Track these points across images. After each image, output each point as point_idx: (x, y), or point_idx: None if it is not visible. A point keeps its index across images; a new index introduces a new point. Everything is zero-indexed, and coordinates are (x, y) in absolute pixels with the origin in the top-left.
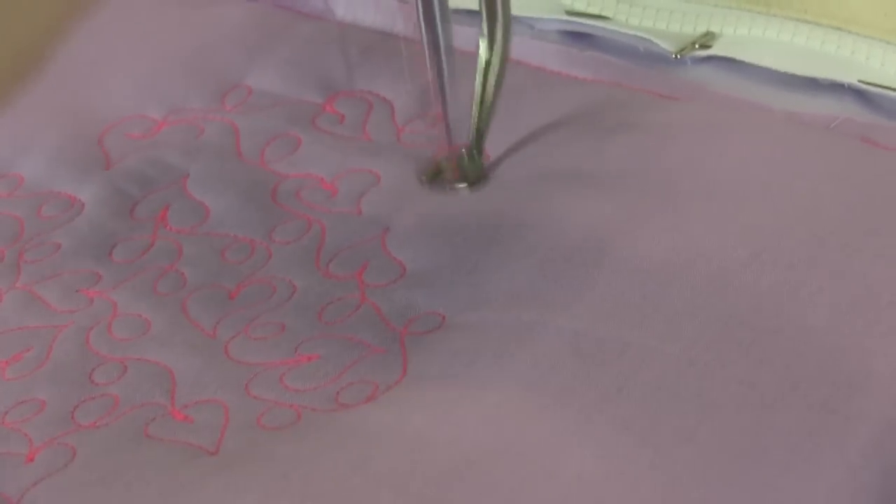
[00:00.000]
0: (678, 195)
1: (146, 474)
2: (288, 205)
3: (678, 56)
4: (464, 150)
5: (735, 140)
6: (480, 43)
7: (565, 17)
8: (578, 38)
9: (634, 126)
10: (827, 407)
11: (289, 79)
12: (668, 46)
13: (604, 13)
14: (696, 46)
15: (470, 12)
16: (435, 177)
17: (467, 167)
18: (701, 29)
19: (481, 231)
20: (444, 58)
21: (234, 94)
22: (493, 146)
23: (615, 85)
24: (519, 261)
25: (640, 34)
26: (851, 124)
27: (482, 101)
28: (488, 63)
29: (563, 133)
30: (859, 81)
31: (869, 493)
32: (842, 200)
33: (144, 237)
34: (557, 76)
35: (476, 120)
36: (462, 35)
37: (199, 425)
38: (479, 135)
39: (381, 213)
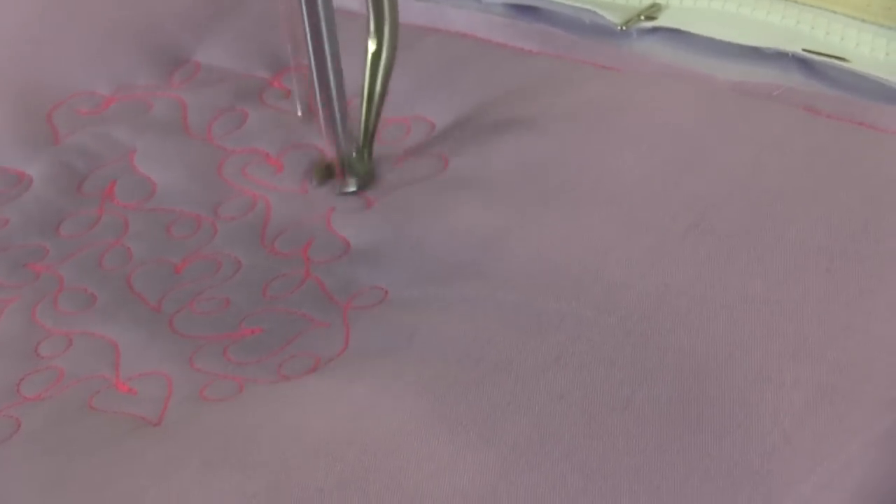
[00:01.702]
0: (618, 169)
1: (89, 445)
2: (233, 181)
3: (623, 28)
4: (354, 150)
5: (676, 111)
6: (369, 39)
7: None
8: (525, 11)
9: (576, 99)
10: (762, 375)
11: (237, 54)
12: (613, 18)
13: None
14: (642, 18)
15: None
16: (325, 178)
17: (357, 167)
18: (647, 1)
19: (423, 208)
20: (329, 57)
21: (183, 70)
22: (439, 117)
23: (560, 57)
24: (459, 237)
25: (585, 6)
26: (794, 93)
27: (370, 98)
28: (376, 58)
29: (506, 107)
30: (803, 50)
31: (802, 458)
32: (781, 169)
33: (91, 212)
34: (503, 48)
35: (364, 118)
36: None
37: (143, 397)
38: (368, 133)
39: (326, 191)
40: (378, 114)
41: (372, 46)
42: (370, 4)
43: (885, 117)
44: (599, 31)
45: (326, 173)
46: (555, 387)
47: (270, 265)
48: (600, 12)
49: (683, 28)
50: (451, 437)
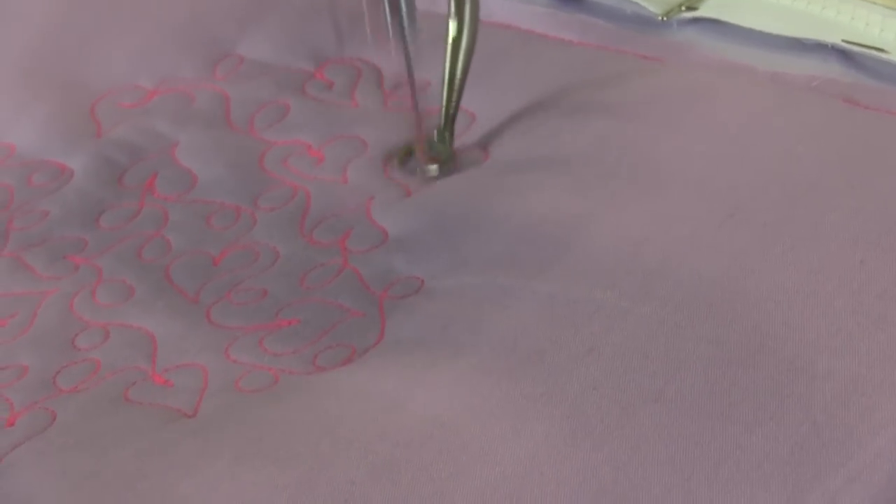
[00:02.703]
0: (656, 159)
1: (123, 437)
2: (275, 172)
3: (664, 18)
4: (435, 131)
5: (715, 102)
6: (449, 23)
7: None
8: (566, 1)
9: (617, 90)
10: (794, 366)
11: (280, 47)
12: (654, 9)
13: None
14: (683, 9)
15: None
16: (406, 159)
17: (438, 149)
18: None
19: (460, 197)
20: (409, 40)
21: (226, 63)
22: (480, 108)
23: (601, 48)
24: (497, 227)
25: None
26: (833, 84)
27: (451, 83)
28: (457, 42)
29: (547, 98)
30: (843, 41)
31: (831, 448)
32: (818, 159)
33: (132, 204)
34: (544, 39)
35: (445, 101)
36: None
37: (179, 389)
38: (449, 117)
39: (367, 181)
40: (459, 97)
41: (452, 29)
42: None
43: None
44: (640, 21)
45: (407, 158)
46: (588, 378)
47: (308, 255)
48: (641, 3)
49: (723, 19)
50: (482, 429)
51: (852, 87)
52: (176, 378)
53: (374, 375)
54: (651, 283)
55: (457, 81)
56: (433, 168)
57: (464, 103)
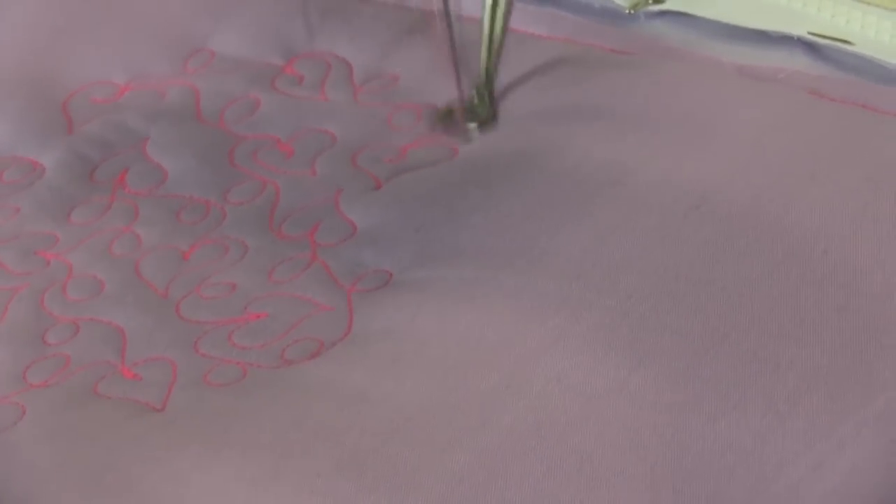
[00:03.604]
0: (621, 151)
1: (92, 431)
2: (244, 166)
3: (632, 11)
4: (474, 91)
5: (680, 94)
6: None
7: None
8: None
9: (583, 85)
10: (756, 355)
11: (251, 42)
12: (622, 2)
13: None
14: (650, 1)
15: None
16: (446, 119)
17: (478, 108)
18: None
19: (429, 190)
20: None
21: (197, 58)
22: (449, 102)
23: (569, 41)
24: (464, 218)
25: None
26: (799, 76)
27: (490, 41)
28: (495, 1)
29: (515, 94)
30: (809, 33)
31: (794, 437)
32: (783, 151)
33: (103, 199)
34: (514, 33)
35: (485, 60)
36: None
37: (148, 382)
38: (489, 75)
39: (335, 174)
40: (498, 57)
41: None
42: None
43: (889, 100)
44: (608, 14)
45: (447, 118)
46: (553, 369)
47: (277, 249)
48: None
49: (690, 11)
50: (448, 421)
51: (818, 79)
52: (145, 372)
53: (341, 368)
54: (616, 275)
55: (496, 40)
56: (473, 127)
57: (433, 98)
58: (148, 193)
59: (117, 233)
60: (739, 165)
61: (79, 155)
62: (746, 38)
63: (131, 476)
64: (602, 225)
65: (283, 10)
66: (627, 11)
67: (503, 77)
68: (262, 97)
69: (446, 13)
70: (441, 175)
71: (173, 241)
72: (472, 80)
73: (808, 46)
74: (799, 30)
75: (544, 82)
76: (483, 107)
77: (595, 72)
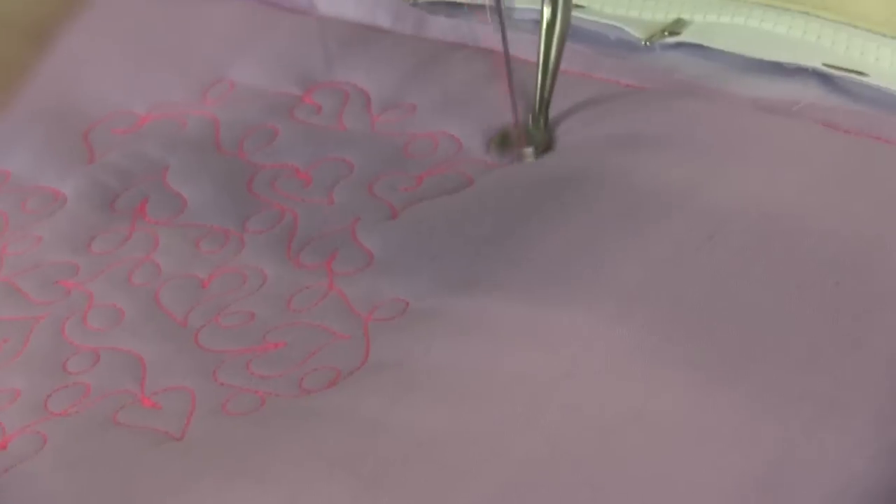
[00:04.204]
0: (635, 182)
1: (112, 459)
2: (263, 194)
3: (648, 43)
4: (530, 117)
5: (695, 126)
6: (543, 6)
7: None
8: None
9: (600, 120)
10: (770, 387)
11: (270, 72)
12: (637, 34)
13: (578, 2)
14: (666, 34)
15: None
16: (502, 145)
17: (534, 136)
18: (672, 16)
19: (445, 218)
20: (506, 27)
21: (217, 88)
22: (464, 134)
23: (584, 76)
24: (479, 246)
25: (611, 22)
26: (814, 108)
27: (545, 68)
28: (551, 27)
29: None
30: (823, 65)
31: (808, 468)
32: (796, 183)
33: (123, 229)
34: (529, 65)
35: (540, 86)
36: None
37: (167, 411)
38: (544, 101)
39: (353, 202)
40: (553, 82)
41: (547, 13)
42: None
43: None
44: (624, 45)
45: (504, 143)
46: (567, 400)
47: (295, 278)
48: (625, 28)
49: (706, 43)
50: (463, 451)
51: (832, 111)
52: (164, 401)
53: (358, 397)
54: (630, 306)
55: (550, 66)
56: (531, 151)
57: (449, 127)
58: (168, 222)
59: (137, 262)
60: (753, 197)
61: (99, 184)
62: (761, 70)
63: None
64: (615, 255)
65: (302, 41)
66: (643, 43)
67: (528, 106)
68: (280, 126)
69: (503, 40)
70: (457, 204)
71: (192, 270)
72: (527, 105)
73: (822, 78)
74: (814, 62)
75: (558, 115)
76: (538, 132)
77: (610, 105)
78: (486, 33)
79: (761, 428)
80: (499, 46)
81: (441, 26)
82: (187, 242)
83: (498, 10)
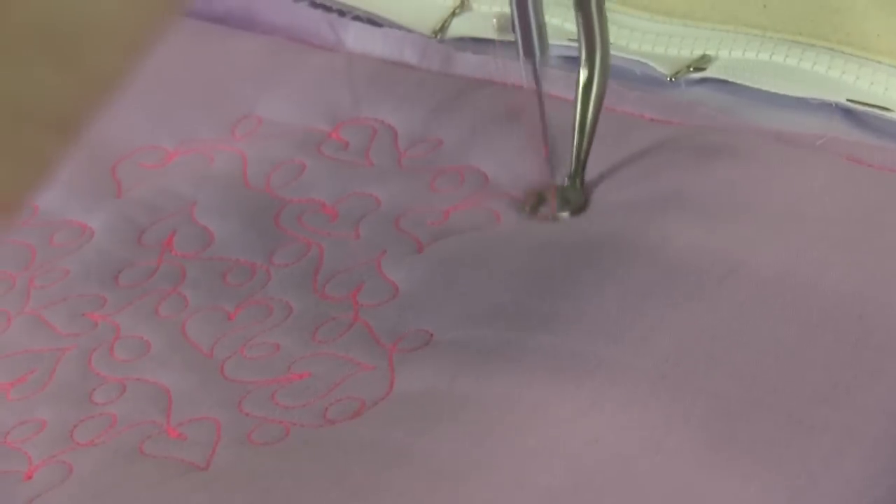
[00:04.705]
0: (659, 214)
1: (137, 490)
2: (290, 228)
3: (673, 79)
4: (566, 178)
5: (718, 161)
6: (581, 68)
7: (567, 43)
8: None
9: (622, 154)
10: (791, 418)
11: (297, 108)
12: (663, 70)
13: None
14: (691, 69)
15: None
16: (537, 206)
17: (569, 195)
18: (697, 52)
19: (471, 253)
20: (543, 88)
21: (245, 124)
22: (492, 168)
23: (609, 110)
24: (504, 279)
25: (636, 58)
26: (838, 143)
27: (583, 128)
28: (587, 87)
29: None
30: (848, 101)
31: (829, 501)
32: (820, 217)
33: (150, 262)
34: (555, 100)
35: (576, 147)
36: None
37: (192, 442)
38: (580, 162)
39: (379, 236)
40: (590, 143)
41: (584, 75)
42: (581, 33)
43: None
44: (649, 80)
45: (538, 202)
46: (590, 431)
47: (321, 310)
48: (651, 63)
49: (731, 79)
50: (486, 481)
51: (856, 146)
52: (189, 431)
53: (382, 428)
54: (653, 337)
55: (587, 127)
56: (565, 215)
57: (477, 162)
58: (195, 256)
59: (164, 294)
60: (776, 230)
61: (127, 218)
62: (786, 105)
63: None
64: (638, 287)
65: (330, 77)
66: (669, 79)
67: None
68: (308, 162)
69: (539, 103)
70: (483, 239)
71: (219, 303)
72: (564, 166)
73: (846, 113)
74: (838, 97)
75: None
76: (574, 192)
77: (634, 139)
78: (513, 70)
79: (782, 459)
80: (525, 83)
81: (468, 63)
82: (214, 276)
83: (535, 76)
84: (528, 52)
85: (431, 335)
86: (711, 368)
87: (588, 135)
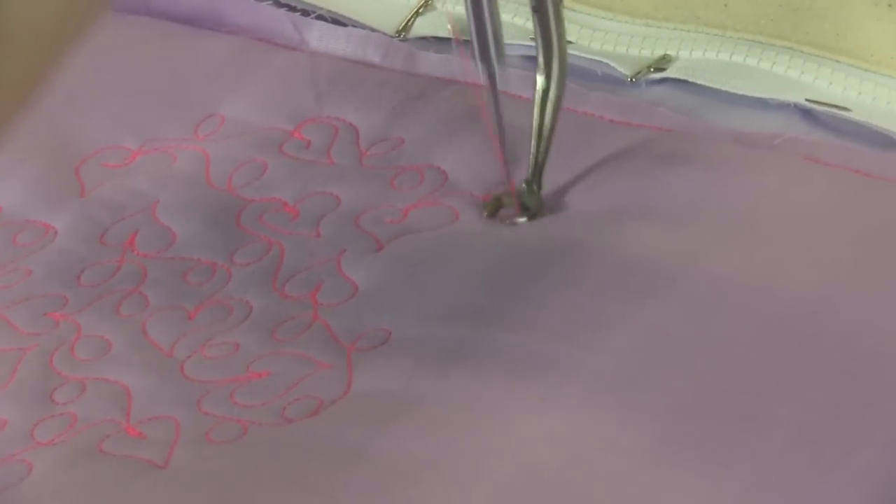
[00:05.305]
0: (616, 217)
1: (96, 488)
2: (251, 228)
3: (634, 79)
4: (523, 183)
5: (674, 162)
6: (537, 74)
7: (529, 43)
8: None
9: (578, 155)
10: (744, 415)
11: (260, 108)
12: (624, 70)
13: (567, 38)
14: (651, 70)
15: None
16: (495, 211)
17: (527, 200)
18: (658, 52)
19: (429, 252)
20: (498, 91)
21: (208, 124)
22: (452, 167)
23: (569, 110)
24: (462, 279)
25: (598, 58)
26: (796, 142)
27: (540, 133)
28: (545, 93)
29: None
30: (806, 100)
31: (779, 496)
32: (776, 216)
33: (112, 262)
34: (517, 100)
35: (535, 152)
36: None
37: (151, 441)
38: (538, 167)
39: (339, 235)
40: (547, 148)
41: (540, 82)
42: (539, 40)
43: (884, 165)
44: (610, 80)
45: (496, 207)
46: (544, 428)
47: (280, 309)
48: (612, 64)
49: (691, 79)
50: (441, 478)
51: (814, 145)
52: (149, 430)
53: (339, 426)
54: (607, 336)
55: (545, 133)
56: (523, 219)
57: (437, 160)
58: (156, 256)
59: (125, 294)
60: (732, 230)
61: (90, 218)
62: (745, 104)
63: None
64: (593, 288)
65: (293, 77)
66: (630, 79)
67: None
68: (269, 161)
69: (496, 109)
70: (442, 238)
71: (179, 302)
72: (524, 168)
73: (805, 113)
74: (797, 97)
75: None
76: (532, 197)
77: (591, 140)
78: (474, 69)
79: (734, 455)
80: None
81: (431, 62)
82: (175, 275)
83: (491, 81)
84: (485, 57)
85: (389, 334)
86: (665, 367)
87: (546, 140)
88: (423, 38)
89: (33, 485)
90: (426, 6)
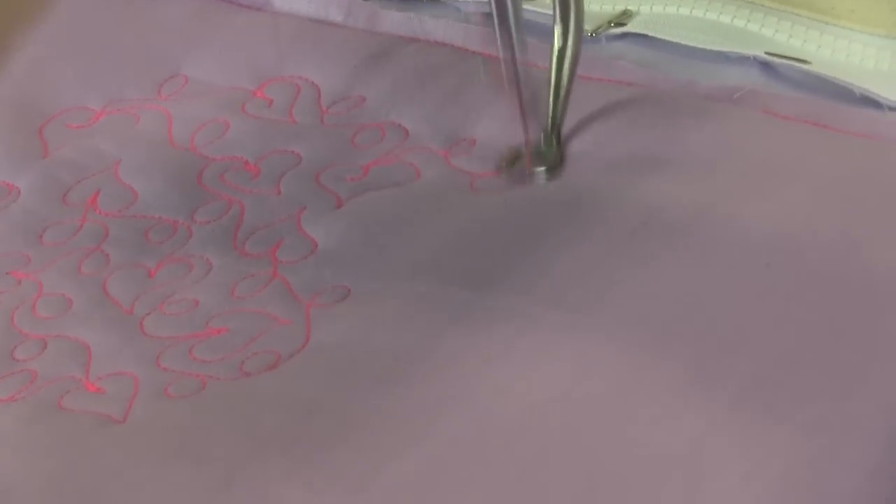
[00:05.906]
0: (575, 171)
1: (55, 443)
2: (212, 186)
3: (594, 35)
4: (542, 135)
5: (634, 115)
6: (555, 30)
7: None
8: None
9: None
10: (698, 366)
11: (223, 67)
12: (585, 25)
13: None
14: (611, 25)
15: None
16: (513, 164)
17: (545, 153)
18: (619, 8)
19: (390, 209)
20: (517, 47)
21: (171, 84)
22: (414, 123)
23: (531, 65)
24: (422, 236)
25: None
26: (755, 96)
27: (557, 89)
28: (562, 50)
29: (474, 114)
30: (766, 53)
31: (732, 444)
32: (733, 170)
33: (74, 221)
34: (478, 56)
35: (552, 107)
36: None
37: (110, 396)
38: (556, 122)
39: (299, 193)
40: (565, 105)
41: (558, 37)
42: None
43: (842, 117)
44: None
45: (515, 161)
46: (498, 380)
47: (240, 266)
48: None
49: (651, 33)
50: (394, 430)
51: (773, 98)
52: (108, 386)
53: (296, 380)
54: (563, 289)
55: (563, 88)
56: (541, 171)
57: (398, 118)
58: (118, 214)
59: (87, 252)
60: (689, 184)
61: (53, 178)
62: (705, 58)
63: (90, 488)
64: (549, 243)
65: (255, 36)
66: (590, 34)
67: (474, 96)
68: (232, 120)
69: (513, 61)
70: (402, 195)
71: (140, 260)
72: (539, 124)
73: (764, 66)
74: (756, 50)
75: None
76: (549, 152)
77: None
78: (435, 26)
79: (687, 406)
80: (449, 40)
81: (393, 20)
82: (136, 233)
83: (507, 33)
84: (502, 15)
85: (349, 290)
86: (620, 319)
87: (563, 97)
88: None
89: None
90: None
